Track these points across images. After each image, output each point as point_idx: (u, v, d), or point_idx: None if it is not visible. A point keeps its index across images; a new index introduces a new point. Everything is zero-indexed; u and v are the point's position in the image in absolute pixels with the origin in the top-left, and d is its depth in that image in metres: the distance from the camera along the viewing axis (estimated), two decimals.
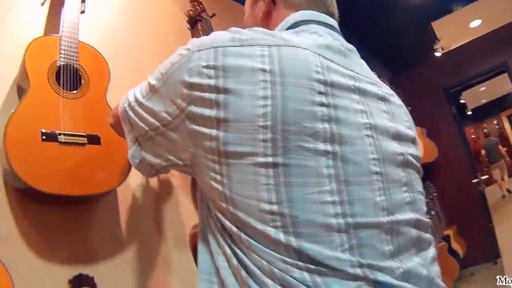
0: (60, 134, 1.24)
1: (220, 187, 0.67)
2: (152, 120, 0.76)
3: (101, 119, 1.31)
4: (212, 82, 0.66)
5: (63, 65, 1.30)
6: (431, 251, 0.76)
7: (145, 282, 1.50)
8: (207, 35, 0.74)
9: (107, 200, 1.47)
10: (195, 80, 0.68)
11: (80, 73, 1.33)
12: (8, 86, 1.36)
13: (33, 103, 1.24)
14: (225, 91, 0.65)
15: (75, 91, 1.31)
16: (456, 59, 4.90)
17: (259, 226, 0.63)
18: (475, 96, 9.72)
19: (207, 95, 0.66)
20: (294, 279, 0.61)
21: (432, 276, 0.71)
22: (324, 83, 0.68)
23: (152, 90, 0.76)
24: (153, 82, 0.76)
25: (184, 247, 1.59)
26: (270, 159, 0.63)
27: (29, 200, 1.30)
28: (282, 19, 0.85)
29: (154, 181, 1.60)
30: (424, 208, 0.79)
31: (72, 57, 1.32)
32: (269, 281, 0.62)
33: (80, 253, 1.38)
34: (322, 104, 0.66)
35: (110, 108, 1.34)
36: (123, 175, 1.34)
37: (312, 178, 0.63)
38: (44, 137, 1.22)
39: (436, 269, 0.74)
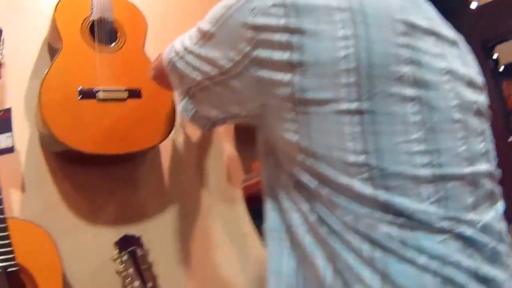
0: (98, 90, 1.18)
1: (297, 138, 0.62)
2: (207, 68, 0.70)
3: (141, 72, 1.24)
4: (281, 22, 0.59)
5: (97, 19, 1.23)
6: (501, 205, 0.71)
7: (190, 237, 1.46)
8: None
9: (150, 157, 1.41)
10: (261, 21, 0.61)
11: (115, 27, 1.26)
12: (38, 47, 1.31)
13: (67, 61, 1.18)
14: (299, 32, 0.59)
15: (111, 45, 1.24)
16: (492, 11, 4.65)
17: (343, 179, 0.58)
18: (509, 52, 9.34)
19: (276, 36, 0.60)
20: (380, 233, 0.57)
21: (503, 231, 0.67)
22: (406, 23, 0.62)
23: (206, 36, 0.70)
24: (206, 27, 0.70)
25: (228, 199, 1.55)
26: (354, 106, 0.57)
27: (69, 163, 1.27)
28: None
29: (195, 130, 1.53)
30: (495, 160, 0.74)
31: (105, 11, 1.25)
32: (353, 237, 0.58)
33: (124, 213, 1.35)
34: (405, 46, 0.60)
35: (150, 60, 1.27)
36: (167, 128, 1.28)
37: (399, 126, 0.58)
38: (81, 96, 1.16)
39: (504, 223, 0.70)
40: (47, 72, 1.14)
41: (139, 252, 1.22)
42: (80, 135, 1.14)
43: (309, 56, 0.58)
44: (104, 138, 1.17)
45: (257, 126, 0.75)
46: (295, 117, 0.61)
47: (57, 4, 1.20)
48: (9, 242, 1.02)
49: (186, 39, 0.75)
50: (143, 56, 1.30)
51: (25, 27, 1.29)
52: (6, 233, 1.02)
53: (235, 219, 1.53)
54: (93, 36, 1.22)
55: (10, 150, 1.17)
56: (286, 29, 0.59)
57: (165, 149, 1.45)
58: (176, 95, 0.81)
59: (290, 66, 0.59)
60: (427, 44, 0.64)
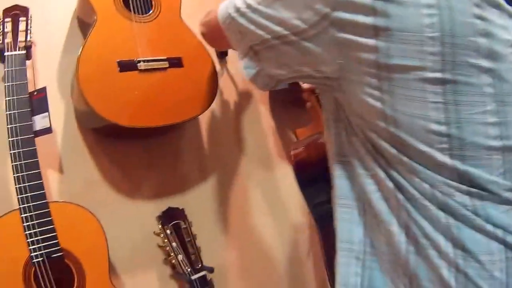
0: (139, 61, 1.13)
1: (379, 104, 0.61)
2: (276, 28, 0.68)
3: (180, 40, 1.21)
4: None
5: None
6: None
7: (230, 206, 1.44)
8: None
9: (189, 127, 1.38)
10: None
11: None
12: (67, 23, 1.26)
13: (103, 34, 1.13)
14: None
15: (147, 15, 1.19)
16: None
17: (424, 147, 0.60)
18: None
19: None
20: (455, 202, 0.59)
21: None
22: None
23: None
24: None
25: (268, 166, 1.53)
26: (439, 75, 0.58)
27: (106, 139, 1.24)
28: None
29: (232, 97, 1.50)
30: None
31: None
32: (429, 204, 0.60)
33: (164, 186, 1.32)
34: (479, 17, 0.60)
35: (188, 27, 1.24)
36: (210, 97, 1.23)
37: (477, 97, 0.59)
38: (121, 68, 1.11)
39: None
40: (83, 46, 1.09)
41: (182, 225, 1.21)
42: (122, 109, 1.10)
43: (395, 21, 0.57)
44: (148, 110, 1.13)
45: (325, 89, 0.73)
46: (378, 83, 0.60)
47: None
48: (52, 227, 0.98)
49: None
50: (180, 22, 1.25)
51: (52, 4, 1.24)
52: (49, 218, 0.99)
53: (274, 186, 1.52)
54: (128, 7, 1.17)
55: (47, 131, 1.12)
56: None
57: (203, 118, 1.41)
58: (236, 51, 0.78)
59: (375, 31, 0.58)
60: (494, 16, 0.63)
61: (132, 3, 1.16)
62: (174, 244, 1.16)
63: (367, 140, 0.66)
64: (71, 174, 1.17)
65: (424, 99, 0.58)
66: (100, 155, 1.21)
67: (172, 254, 1.15)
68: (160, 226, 1.17)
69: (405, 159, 0.61)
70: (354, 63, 0.62)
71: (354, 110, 0.67)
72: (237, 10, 0.74)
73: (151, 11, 1.20)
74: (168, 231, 1.16)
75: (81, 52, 1.07)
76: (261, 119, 1.55)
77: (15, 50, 1.07)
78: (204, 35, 0.94)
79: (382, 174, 0.64)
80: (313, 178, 1.19)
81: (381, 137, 0.63)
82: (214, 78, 1.24)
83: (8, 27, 1.08)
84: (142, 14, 1.17)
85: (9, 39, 1.07)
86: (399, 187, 0.62)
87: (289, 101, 1.50)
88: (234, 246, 1.42)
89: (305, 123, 1.40)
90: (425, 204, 0.60)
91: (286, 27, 0.66)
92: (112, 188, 1.22)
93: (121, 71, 1.10)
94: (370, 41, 0.58)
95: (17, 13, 1.10)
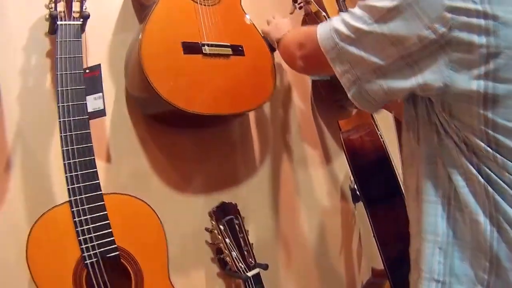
0: (203, 45, 1.06)
1: (481, 111, 0.66)
2: (391, 50, 0.69)
3: (241, 28, 1.16)
4: (479, 7, 0.62)
5: None
6: None
7: (279, 201, 1.41)
8: None
9: (241, 120, 1.32)
10: (458, 3, 0.63)
11: None
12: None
13: (168, 13, 1.06)
14: (493, 17, 0.62)
15: None
16: None
17: None
18: None
19: (474, 20, 0.62)
20: None
21: None
22: None
23: (389, 13, 0.68)
24: (386, 4, 0.68)
25: (309, 164, 1.52)
26: None
27: (157, 127, 1.15)
28: None
29: (279, 93, 1.47)
30: None
31: None
32: None
33: (213, 179, 1.26)
34: None
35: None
36: (270, 87, 1.18)
37: None
38: (185, 49, 1.04)
39: None
40: (146, 22, 1.00)
41: (235, 220, 1.15)
42: (187, 94, 1.02)
43: (502, 40, 0.62)
44: (213, 98, 1.06)
45: (434, 96, 0.73)
46: (483, 92, 0.65)
47: None
48: (108, 223, 0.88)
49: (349, 19, 0.74)
50: (241, 10, 1.20)
51: None
52: (104, 212, 0.88)
53: (322, 182, 1.52)
54: None
55: (100, 113, 1.03)
56: (482, 14, 0.62)
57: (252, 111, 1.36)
58: (343, 82, 0.77)
59: (487, 48, 0.62)
60: None
61: None
62: (227, 240, 1.10)
63: (461, 140, 0.70)
64: (118, 162, 1.08)
65: None
66: (150, 144, 1.13)
67: (226, 251, 1.09)
68: (214, 222, 1.11)
69: (499, 157, 0.67)
70: (464, 76, 0.65)
71: (454, 115, 0.70)
72: (347, 37, 0.74)
73: None
74: (221, 227, 1.11)
75: (144, 29, 0.99)
76: (305, 114, 1.53)
77: (69, 19, 0.94)
78: (303, 69, 0.94)
79: (474, 171, 0.69)
80: (367, 167, 1.27)
81: (478, 137, 0.68)
82: (272, 69, 1.19)
83: None
84: None
85: (61, 7, 0.94)
86: (490, 181, 0.68)
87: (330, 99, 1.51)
88: (283, 242, 1.38)
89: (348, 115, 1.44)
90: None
91: (401, 46, 0.68)
92: (161, 180, 1.14)
93: (185, 53, 1.03)
94: (482, 58, 0.63)
95: None
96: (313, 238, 1.46)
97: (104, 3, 1.12)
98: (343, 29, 0.75)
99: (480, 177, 0.69)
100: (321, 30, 0.80)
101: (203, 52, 1.05)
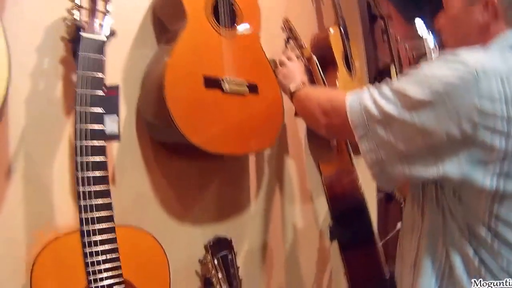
0: (223, 80, 1.04)
1: (488, 203, 0.71)
2: (418, 140, 0.71)
3: (256, 64, 1.15)
4: (505, 113, 0.66)
5: None
6: None
7: (270, 239, 1.43)
8: None
9: (242, 158, 1.32)
10: (487, 107, 0.66)
11: (235, 9, 1.12)
12: (141, 15, 1.11)
13: (194, 43, 1.03)
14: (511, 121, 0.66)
15: (232, 29, 1.10)
16: None
17: None
18: None
19: (499, 125, 0.66)
20: None
21: None
22: None
23: (421, 105, 0.70)
24: (419, 95, 0.70)
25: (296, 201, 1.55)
26: None
27: (163, 154, 1.13)
28: (498, 35, 0.77)
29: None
30: None
31: None
32: (502, 276, 0.72)
33: (212, 211, 1.25)
34: None
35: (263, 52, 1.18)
36: (277, 129, 1.20)
37: None
38: (206, 84, 1.02)
39: None
40: (171, 51, 0.98)
41: (229, 256, 1.15)
42: (204, 131, 1.01)
43: None
44: (226, 136, 1.06)
45: (444, 185, 0.77)
46: (495, 189, 0.69)
47: None
48: (117, 257, 0.85)
49: (380, 100, 0.75)
50: (258, 45, 1.18)
51: None
52: (115, 246, 0.85)
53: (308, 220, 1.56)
54: (216, 16, 1.07)
55: (115, 137, 1.00)
56: (506, 119, 0.66)
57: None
58: (366, 159, 0.78)
59: (505, 151, 0.67)
60: None
61: (222, 15, 1.07)
62: (220, 274, 1.10)
63: (465, 224, 0.74)
64: (123, 186, 1.05)
65: None
66: (155, 170, 1.10)
67: (218, 286, 1.09)
68: (209, 257, 1.10)
69: (497, 243, 0.72)
70: (478, 173, 0.69)
71: (463, 202, 0.74)
72: (378, 121, 0.75)
73: (235, 24, 1.11)
74: (216, 262, 1.11)
75: (171, 54, 0.97)
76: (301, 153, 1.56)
77: (94, 33, 0.86)
78: (326, 134, 0.94)
79: (471, 252, 0.74)
80: (346, 213, 1.32)
81: (480, 224, 0.72)
82: (281, 110, 1.20)
83: (85, 2, 0.86)
84: (229, 27, 1.09)
85: (86, 17, 0.86)
86: (483, 262, 0.73)
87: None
88: (272, 278, 1.41)
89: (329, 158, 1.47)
90: (500, 276, 0.72)
91: (429, 139, 0.70)
92: (163, 207, 1.12)
93: (206, 87, 1.02)
94: (498, 158, 0.68)
95: None
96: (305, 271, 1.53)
97: (125, 15, 1.06)
98: (373, 110, 0.75)
99: (474, 259, 0.73)
100: (351, 105, 0.80)
101: (223, 87, 1.04)
